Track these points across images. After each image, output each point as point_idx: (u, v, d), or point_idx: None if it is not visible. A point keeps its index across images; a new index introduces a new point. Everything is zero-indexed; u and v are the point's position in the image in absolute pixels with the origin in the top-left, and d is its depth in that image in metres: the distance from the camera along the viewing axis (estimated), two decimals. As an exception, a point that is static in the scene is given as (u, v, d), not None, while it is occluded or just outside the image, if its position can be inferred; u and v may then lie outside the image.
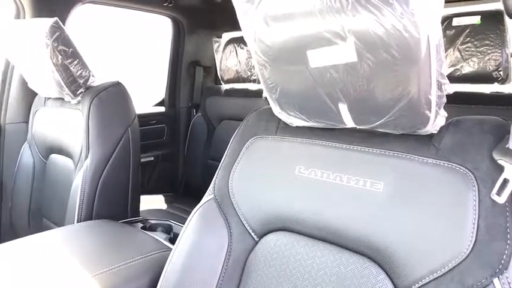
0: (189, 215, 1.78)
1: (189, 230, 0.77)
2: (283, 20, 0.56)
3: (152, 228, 1.19)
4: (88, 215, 1.16)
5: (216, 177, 0.80)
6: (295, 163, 0.67)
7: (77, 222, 1.16)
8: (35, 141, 1.50)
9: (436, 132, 0.57)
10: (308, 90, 0.59)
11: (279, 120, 0.71)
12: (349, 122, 0.61)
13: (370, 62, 0.50)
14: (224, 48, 1.97)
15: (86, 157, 1.19)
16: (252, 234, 0.71)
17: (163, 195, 2.15)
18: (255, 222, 0.71)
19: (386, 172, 0.58)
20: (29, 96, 1.57)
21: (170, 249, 0.91)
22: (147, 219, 1.24)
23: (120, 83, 1.29)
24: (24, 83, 1.51)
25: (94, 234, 1.03)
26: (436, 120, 0.55)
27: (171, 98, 2.34)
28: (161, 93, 2.36)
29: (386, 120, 0.56)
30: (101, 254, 0.90)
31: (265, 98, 1.86)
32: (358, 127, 0.61)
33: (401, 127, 0.58)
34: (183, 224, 1.40)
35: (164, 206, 1.99)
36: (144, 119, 2.08)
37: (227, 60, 1.94)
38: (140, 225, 1.19)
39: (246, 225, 0.71)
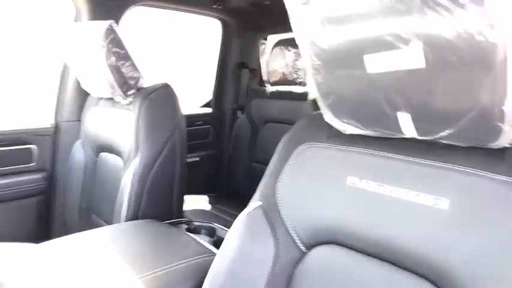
0: (232, 217, 1.78)
1: (234, 236, 0.75)
2: (340, 22, 0.53)
3: (196, 230, 1.19)
4: (135, 214, 1.18)
5: (263, 184, 0.78)
6: (347, 173, 0.63)
7: (124, 220, 1.18)
8: (86, 139, 1.56)
9: (510, 146, 0.52)
10: (365, 96, 0.56)
11: (330, 127, 0.68)
12: (408, 132, 0.56)
13: (438, 68, 0.46)
14: (271, 51, 1.95)
15: (135, 157, 1.21)
16: (300, 245, 0.68)
17: (207, 196, 2.17)
18: (304, 233, 0.68)
19: (451, 188, 0.53)
20: (82, 96, 1.63)
21: (214, 254, 0.90)
22: (191, 221, 1.24)
23: (169, 85, 1.31)
24: (78, 84, 1.57)
25: (140, 235, 1.05)
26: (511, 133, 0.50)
27: (217, 99, 2.36)
28: (208, 95, 2.39)
29: (453, 131, 0.51)
30: (146, 255, 0.91)
31: (311, 100, 1.83)
32: (418, 137, 0.57)
33: (468, 139, 0.53)
34: (227, 227, 1.40)
35: (207, 207, 2.00)
36: (191, 119, 2.11)
37: (273, 62, 1.92)
38: (185, 226, 1.19)
39: (294, 235, 0.69)
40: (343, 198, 0.62)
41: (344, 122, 0.63)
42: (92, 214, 1.50)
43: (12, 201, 1.63)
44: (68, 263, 0.87)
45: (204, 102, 2.43)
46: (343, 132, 0.65)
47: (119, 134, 1.34)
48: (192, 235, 1.07)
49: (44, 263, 0.89)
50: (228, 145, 2.31)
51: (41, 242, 1.54)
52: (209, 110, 2.38)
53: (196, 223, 1.22)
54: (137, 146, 1.21)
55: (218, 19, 2.20)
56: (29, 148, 1.66)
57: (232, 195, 2.25)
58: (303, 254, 0.68)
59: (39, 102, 1.83)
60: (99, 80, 1.32)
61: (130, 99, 1.29)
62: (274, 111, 2.02)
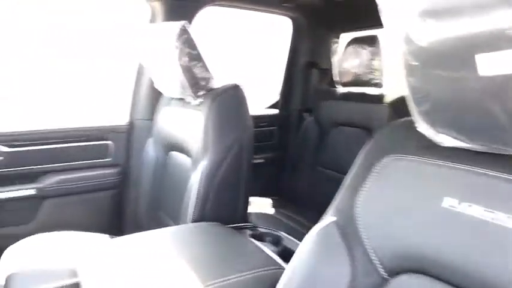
0: (296, 223, 1.72)
1: (305, 252, 0.69)
2: (445, 15, 0.44)
3: (261, 237, 1.15)
4: (201, 216, 1.17)
5: (338, 198, 0.71)
6: (444, 193, 0.54)
7: (190, 221, 1.17)
8: (158, 138, 1.59)
9: None
10: (473, 103, 0.47)
11: (420, 137, 0.59)
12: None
13: None
14: (344, 50, 1.86)
15: (203, 157, 1.20)
16: (381, 270, 0.60)
17: (270, 199, 2.12)
18: (386, 258, 0.60)
19: None
20: (155, 96, 1.67)
21: (281, 268, 0.85)
22: (256, 227, 1.20)
23: (239, 85, 1.28)
24: (152, 84, 1.61)
25: (206, 238, 1.03)
26: None
27: (284, 100, 2.31)
28: (275, 95, 2.35)
29: None
30: (212, 261, 0.88)
31: (388, 104, 1.71)
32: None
33: None
34: (291, 234, 1.34)
35: (270, 210, 1.96)
36: (256, 120, 2.07)
37: (346, 61, 1.83)
38: (249, 232, 1.16)
39: (374, 258, 0.61)
40: (438, 223, 0.53)
41: (440, 133, 0.55)
42: (159, 211, 1.53)
43: (90, 193, 1.72)
44: (137, 262, 0.87)
45: (270, 103, 2.39)
46: (439, 144, 0.56)
47: (188, 134, 1.34)
48: (256, 242, 1.03)
49: (115, 259, 0.90)
50: (294, 148, 2.25)
51: (113, 233, 1.63)
52: (275, 111, 2.34)
53: (261, 229, 1.18)
54: (205, 147, 1.20)
55: (288, 17, 2.14)
56: (106, 144, 1.75)
57: (296, 199, 2.18)
58: (385, 281, 0.60)
59: (117, 101, 1.92)
60: (171, 80, 1.33)
61: (200, 99, 1.29)
62: (344, 113, 1.92)
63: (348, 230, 0.66)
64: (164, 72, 1.37)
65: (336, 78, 1.97)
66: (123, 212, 1.81)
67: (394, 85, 1.75)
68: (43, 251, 1.36)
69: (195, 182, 1.19)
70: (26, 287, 1.16)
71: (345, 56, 1.83)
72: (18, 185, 1.56)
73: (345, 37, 2.04)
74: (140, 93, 1.78)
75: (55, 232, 1.48)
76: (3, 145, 1.52)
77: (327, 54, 2.19)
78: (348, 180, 0.70)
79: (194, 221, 1.17)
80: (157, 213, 1.53)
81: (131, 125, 1.80)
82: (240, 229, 1.18)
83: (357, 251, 0.63)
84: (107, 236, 1.55)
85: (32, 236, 1.43)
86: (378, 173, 0.64)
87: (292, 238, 1.17)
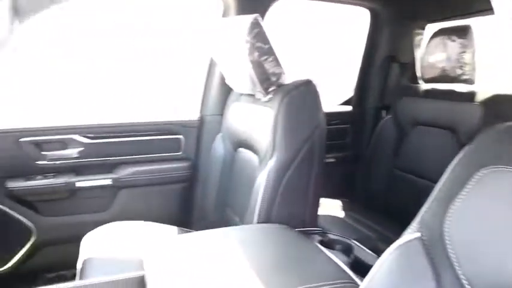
0: (369, 229, 1.60)
1: (383, 271, 0.61)
2: None
3: (330, 244, 1.07)
4: (267, 216, 1.13)
5: (423, 211, 0.61)
6: None
7: (257, 221, 1.13)
8: (227, 134, 1.58)
9: None
10: None
11: None
12: None
13: None
14: (429, 42, 1.68)
15: (271, 156, 1.15)
16: (479, 304, 0.50)
17: (340, 201, 2.02)
18: (481, 285, 0.50)
19: None
20: (226, 91, 1.66)
21: (353, 282, 0.78)
22: (326, 233, 1.13)
23: (311, 81, 1.21)
24: (222, 79, 1.60)
25: (272, 241, 0.98)
26: None
27: (359, 96, 2.18)
28: (349, 91, 2.23)
29: None
30: (278, 267, 0.83)
31: (480, 102, 1.51)
32: None
33: None
34: (365, 244, 1.24)
35: (340, 213, 1.86)
36: (328, 117, 1.98)
37: (431, 55, 1.65)
38: (318, 238, 1.09)
39: (467, 285, 0.51)
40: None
41: None
42: (226, 207, 1.52)
43: (161, 185, 1.77)
44: (201, 260, 0.86)
45: (343, 100, 2.27)
46: None
47: (257, 131, 1.30)
48: (326, 251, 0.96)
49: (181, 255, 0.90)
50: (368, 148, 2.11)
51: (182, 225, 1.65)
52: (349, 108, 2.22)
53: (331, 236, 1.10)
54: (274, 145, 1.15)
55: (367, 8, 2.00)
56: (178, 138, 1.78)
57: (368, 203, 2.05)
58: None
59: (188, 96, 1.95)
60: (242, 76, 1.30)
61: (270, 95, 1.24)
62: (427, 112, 1.75)
63: (435, 250, 0.56)
64: (235, 68, 1.34)
65: (419, 73, 1.80)
66: (191, 206, 1.83)
67: (488, 82, 1.55)
68: (117, 238, 1.42)
69: (261, 182, 1.14)
70: (98, 273, 1.21)
71: (429, 49, 1.66)
72: (96, 174, 1.65)
73: (432, 27, 1.85)
74: (211, 89, 1.78)
75: (129, 221, 1.54)
76: (83, 136, 1.61)
77: (409, 47, 2.00)
78: (437, 191, 0.60)
79: (260, 221, 1.13)
80: (225, 209, 1.52)
81: (201, 120, 1.81)
82: (308, 233, 1.11)
83: (445, 276, 0.53)
84: (176, 228, 1.58)
85: (108, 224, 1.50)
86: (474, 186, 0.54)
87: (364, 248, 1.07)
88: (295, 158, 1.13)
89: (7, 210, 1.53)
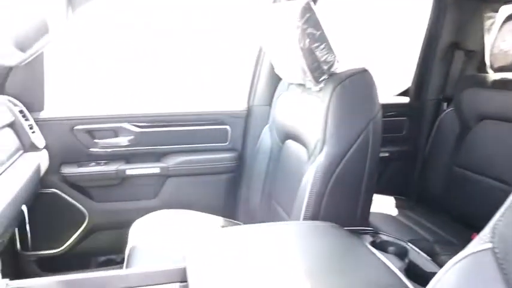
0: (425, 230, 1.48)
1: (448, 282, 0.53)
2: None
3: (383, 246, 0.99)
4: (315, 213, 1.07)
5: (496, 219, 0.52)
6: None
7: (303, 218, 1.08)
8: (274, 125, 1.52)
9: None
10: None
11: None
12: None
13: None
14: (501, 26, 1.51)
15: (321, 151, 1.08)
16: None
17: (394, 198, 1.90)
18: None
19: None
20: (274, 81, 1.61)
21: (409, 292, 0.70)
22: (378, 233, 1.05)
23: (367, 70, 1.12)
24: (271, 68, 1.55)
25: (319, 240, 0.93)
26: None
27: (418, 87, 2.02)
28: (407, 82, 2.08)
29: None
30: (326, 269, 0.78)
31: None
32: None
33: None
34: (421, 247, 1.15)
35: (393, 211, 1.74)
36: (384, 109, 1.86)
37: (504, 41, 1.48)
38: (369, 238, 1.01)
39: None
40: None
41: None
42: (272, 200, 1.47)
43: (208, 175, 1.77)
44: (245, 256, 0.83)
45: (400, 90, 2.13)
46: None
47: (306, 123, 1.23)
48: (377, 253, 0.88)
49: (224, 250, 0.87)
50: (426, 142, 1.97)
51: (228, 216, 1.64)
52: (406, 99, 2.07)
53: (384, 237, 1.02)
54: (324, 140, 1.08)
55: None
56: (225, 129, 1.76)
57: (424, 201, 1.91)
58: None
59: (236, 86, 1.92)
60: (291, 64, 1.24)
61: (321, 85, 1.16)
62: (495, 105, 1.58)
63: (509, 265, 0.48)
64: (284, 56, 1.28)
65: (487, 61, 1.63)
66: (237, 197, 1.81)
67: None
68: (164, 227, 1.44)
69: (310, 177, 1.08)
70: (144, 261, 1.23)
71: (502, 34, 1.49)
72: (145, 163, 1.68)
73: (506, 9, 1.65)
74: (259, 78, 1.73)
75: (176, 210, 1.55)
76: (134, 125, 1.63)
77: (477, 32, 1.82)
78: None
79: (307, 218, 1.07)
80: (271, 202, 1.48)
81: (249, 110, 1.78)
82: (358, 233, 1.04)
83: None
84: (221, 219, 1.56)
85: (156, 212, 1.52)
86: None
87: (421, 252, 0.98)
88: (346, 152, 1.06)
89: (62, 194, 1.60)
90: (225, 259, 0.84)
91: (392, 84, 2.17)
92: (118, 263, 1.74)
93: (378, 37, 2.95)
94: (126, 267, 1.25)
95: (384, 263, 0.83)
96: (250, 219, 1.64)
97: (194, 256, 0.88)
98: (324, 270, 0.80)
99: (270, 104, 1.64)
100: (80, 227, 1.65)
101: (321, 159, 1.07)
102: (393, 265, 0.84)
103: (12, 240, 1.34)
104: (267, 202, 1.52)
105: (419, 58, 1.99)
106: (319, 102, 1.15)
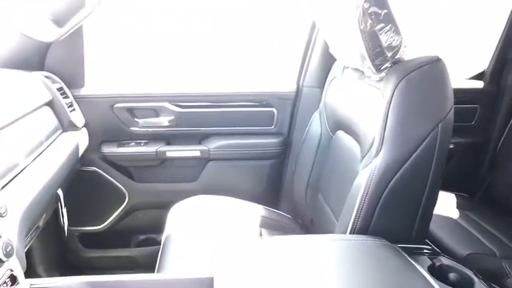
0: (489, 239, 1.29)
1: None
2: None
3: (442, 272, 0.84)
4: (365, 223, 0.93)
5: None
6: None
7: (351, 227, 0.94)
8: (325, 111, 1.37)
9: None
10: None
11: None
12: None
13: None
14: None
15: (377, 153, 0.93)
16: None
17: (455, 195, 1.69)
18: None
19: None
20: (328, 61, 1.44)
21: None
22: (438, 255, 0.89)
23: (440, 59, 0.92)
24: (325, 48, 1.38)
25: (367, 263, 0.80)
26: None
27: (496, 70, 1.75)
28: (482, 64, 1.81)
29: None
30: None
31: None
32: None
33: None
34: (486, 266, 0.98)
35: (454, 213, 1.55)
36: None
37: None
38: (427, 261, 0.86)
39: None
40: None
41: None
42: (318, 192, 1.34)
43: (250, 160, 1.67)
44: (279, 273, 0.73)
45: (473, 73, 1.86)
46: None
47: (361, 116, 1.07)
48: (435, 284, 0.74)
49: (258, 263, 0.78)
50: (500, 133, 1.72)
51: (269, 205, 1.55)
52: (480, 84, 1.81)
53: (445, 260, 0.86)
54: (381, 141, 0.92)
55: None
56: (271, 111, 1.64)
57: (492, 201, 1.69)
58: None
59: (283, 64, 1.77)
60: (348, 47, 1.06)
61: (382, 74, 0.99)
62: None
63: None
64: (341, 36, 1.11)
65: None
66: (280, 185, 1.71)
67: None
68: (202, 214, 1.38)
69: (362, 181, 0.93)
70: (178, 250, 1.18)
71: None
72: (186, 145, 1.61)
73: None
74: (311, 57, 1.57)
75: (215, 196, 1.48)
76: (175, 105, 1.56)
77: None
78: None
79: (356, 229, 0.93)
80: (317, 195, 1.35)
81: (298, 92, 1.63)
82: (414, 253, 0.89)
83: None
84: (263, 207, 1.48)
85: (195, 197, 1.46)
86: None
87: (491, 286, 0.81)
88: (407, 159, 0.89)
89: (102, 173, 1.58)
90: (256, 275, 0.75)
91: (465, 66, 1.90)
92: (158, 242, 1.73)
93: (449, 13, 2.60)
94: (161, 254, 1.21)
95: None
96: (293, 211, 1.54)
97: (224, 267, 0.79)
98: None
99: (322, 87, 1.47)
100: (121, 205, 1.64)
101: (376, 163, 0.92)
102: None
103: (56, 215, 1.35)
104: (313, 195, 1.39)
105: (500, 38, 1.70)
106: (378, 94, 0.98)
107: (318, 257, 0.81)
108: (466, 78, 1.85)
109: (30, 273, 1.51)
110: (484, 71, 1.81)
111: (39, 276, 1.54)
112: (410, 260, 0.83)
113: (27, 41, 1.24)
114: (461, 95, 1.71)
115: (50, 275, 1.56)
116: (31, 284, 0.76)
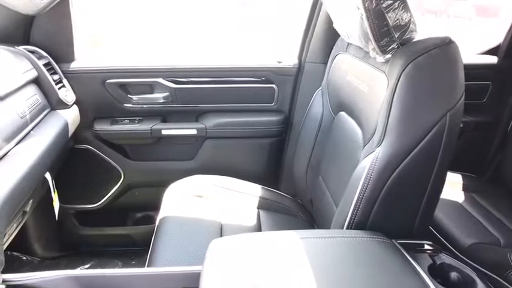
0: (496, 227, 1.24)
1: None
2: None
3: (443, 271, 0.80)
4: (363, 217, 0.88)
5: None
6: None
7: (350, 218, 0.89)
8: (328, 90, 1.29)
9: None
10: None
11: None
12: None
13: None
14: None
15: (379, 143, 0.86)
16: None
17: (462, 176, 1.63)
18: None
19: None
20: (332, 36, 1.34)
21: None
22: (438, 252, 0.84)
23: (452, 41, 0.84)
24: (329, 22, 1.28)
25: (363, 261, 0.76)
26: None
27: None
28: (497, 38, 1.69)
29: None
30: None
31: None
32: None
33: None
34: (492, 256, 0.94)
35: (459, 195, 1.49)
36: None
37: None
38: (427, 260, 0.82)
39: None
40: None
41: None
42: (318, 175, 1.29)
43: (249, 139, 1.62)
44: (274, 270, 0.70)
45: (486, 49, 1.75)
46: None
47: (364, 99, 1.00)
48: (432, 285, 0.70)
49: (254, 258, 0.75)
50: None
51: (268, 185, 1.50)
52: (493, 59, 1.70)
53: (446, 259, 0.82)
54: (385, 130, 0.85)
55: None
56: (272, 88, 1.56)
57: (498, 182, 1.63)
58: None
59: (285, 39, 1.67)
60: (352, 25, 0.98)
61: (388, 56, 0.91)
62: None
63: None
64: (345, 12, 1.02)
65: None
66: (280, 165, 1.66)
67: None
68: (199, 194, 1.35)
69: (364, 170, 0.87)
70: (172, 236, 1.15)
71: None
72: (182, 122, 1.55)
73: None
74: (313, 31, 1.47)
75: (213, 176, 1.44)
76: (170, 81, 1.48)
77: None
78: None
79: (355, 219, 0.89)
80: (317, 177, 1.30)
81: (300, 68, 1.54)
82: (415, 249, 0.85)
83: None
84: (261, 187, 1.43)
85: (192, 177, 1.42)
86: None
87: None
88: (412, 149, 0.83)
89: (96, 151, 1.54)
90: (246, 270, 0.71)
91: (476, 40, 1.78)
92: (155, 220, 1.71)
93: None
94: (155, 235, 1.18)
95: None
96: (293, 192, 1.50)
97: (212, 262, 0.76)
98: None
99: (325, 63, 1.38)
100: (116, 184, 1.61)
101: (378, 153, 0.86)
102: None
103: (50, 198, 1.32)
104: (313, 175, 1.34)
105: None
106: (383, 78, 0.90)
107: (312, 254, 0.76)
108: (478, 53, 1.74)
109: (27, 251, 1.52)
110: (498, 45, 1.70)
111: (36, 254, 1.54)
112: (409, 259, 0.79)
113: (8, 13, 1.16)
114: (472, 71, 1.62)
115: (47, 253, 1.56)
116: (3, 280, 0.73)
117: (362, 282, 0.71)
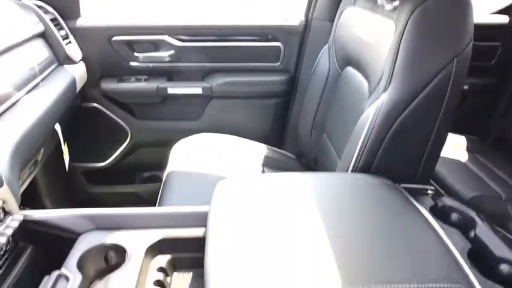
0: (498, 182, 1.26)
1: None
2: None
3: (444, 213, 0.81)
4: (367, 163, 0.90)
5: None
6: None
7: (353, 164, 0.91)
8: (334, 46, 1.29)
9: None
10: None
11: None
12: None
13: None
14: None
15: (385, 89, 0.87)
16: None
17: (466, 138, 1.64)
18: None
19: None
20: (339, -8, 1.33)
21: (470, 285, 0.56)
22: (440, 196, 0.86)
23: (462, -16, 0.83)
24: (337, -26, 1.26)
25: (367, 200, 0.78)
26: None
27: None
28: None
29: None
30: (364, 242, 0.65)
31: None
32: None
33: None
34: (493, 209, 0.96)
35: (464, 156, 1.51)
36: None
37: None
38: (429, 202, 0.83)
39: None
40: None
41: None
42: (324, 133, 1.31)
43: (254, 99, 1.62)
44: (272, 211, 0.71)
45: (498, 8, 1.71)
46: None
47: (371, 50, 1.00)
48: (437, 225, 0.72)
49: (251, 196, 0.77)
50: None
51: (273, 144, 1.52)
52: (504, 19, 1.67)
53: (447, 201, 0.83)
54: (390, 76, 0.86)
55: None
56: (277, 46, 1.55)
57: (502, 145, 1.64)
58: None
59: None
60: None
61: (396, 3, 0.90)
62: None
63: None
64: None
65: None
66: (285, 124, 1.67)
67: None
68: (204, 152, 1.37)
69: (368, 118, 0.88)
70: (179, 189, 1.18)
71: None
72: (187, 81, 1.56)
73: None
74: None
75: (218, 134, 1.46)
76: (175, 39, 1.48)
77: None
78: None
79: (358, 166, 0.90)
80: (322, 136, 1.32)
81: (306, 25, 1.53)
82: (417, 193, 0.86)
83: None
84: (266, 146, 1.45)
85: (197, 135, 1.44)
86: None
87: (492, 230, 0.78)
88: (417, 94, 0.83)
89: (103, 109, 1.55)
90: (251, 209, 0.73)
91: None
92: (162, 179, 1.75)
93: None
94: (162, 190, 1.21)
95: (443, 243, 0.67)
96: (297, 151, 1.51)
97: (218, 201, 0.78)
98: (360, 243, 0.66)
99: (332, 19, 1.37)
100: (123, 142, 1.63)
101: (383, 99, 0.86)
102: (456, 241, 0.69)
103: (59, 151, 1.35)
104: (317, 134, 1.35)
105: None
106: (391, 26, 0.90)
107: (316, 193, 0.79)
108: (490, 13, 1.71)
109: (38, 205, 1.56)
110: (511, 4, 1.67)
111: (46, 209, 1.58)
112: (411, 199, 0.81)
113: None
114: (482, 30, 1.59)
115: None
116: (25, 215, 0.76)
117: (365, 220, 0.73)
